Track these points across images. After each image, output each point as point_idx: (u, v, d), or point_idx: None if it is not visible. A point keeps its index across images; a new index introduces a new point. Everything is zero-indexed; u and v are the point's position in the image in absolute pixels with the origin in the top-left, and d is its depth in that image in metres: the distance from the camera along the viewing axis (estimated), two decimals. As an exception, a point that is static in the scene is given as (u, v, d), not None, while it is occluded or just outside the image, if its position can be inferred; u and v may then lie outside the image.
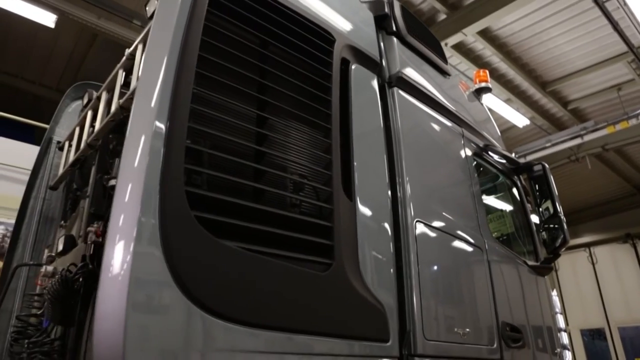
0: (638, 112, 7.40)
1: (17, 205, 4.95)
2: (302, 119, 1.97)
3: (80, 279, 1.94)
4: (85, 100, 3.37)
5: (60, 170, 3.34)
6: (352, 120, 2.16)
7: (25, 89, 8.24)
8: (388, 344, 1.90)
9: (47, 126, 5.86)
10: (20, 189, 5.35)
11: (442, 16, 6.18)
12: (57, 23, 5.65)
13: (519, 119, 8.52)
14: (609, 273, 13.58)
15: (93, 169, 2.63)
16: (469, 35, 6.00)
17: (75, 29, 6.33)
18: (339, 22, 2.39)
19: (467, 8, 5.77)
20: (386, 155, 2.33)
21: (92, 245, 1.97)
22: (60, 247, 2.33)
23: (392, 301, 1.99)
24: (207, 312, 1.34)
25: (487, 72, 3.75)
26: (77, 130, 3.14)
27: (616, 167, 11.37)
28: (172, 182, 1.37)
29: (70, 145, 3.37)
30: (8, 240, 4.90)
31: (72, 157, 3.10)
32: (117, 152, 2.72)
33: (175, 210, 1.35)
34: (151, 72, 1.50)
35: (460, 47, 6.67)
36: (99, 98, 2.76)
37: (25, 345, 2.29)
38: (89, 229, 2.03)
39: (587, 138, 8.08)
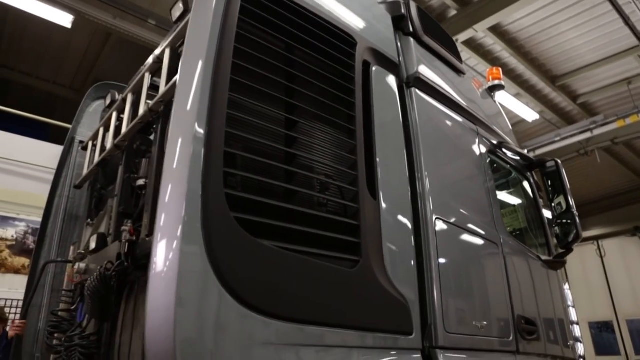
0: (648, 106, 7.41)
1: (37, 203, 5.09)
2: (327, 121, 2.04)
3: (117, 276, 2.03)
4: (109, 100, 3.44)
5: (85, 170, 3.43)
6: (374, 121, 2.22)
7: (39, 87, 8.36)
8: (412, 336, 1.97)
9: (60, 124, 6.01)
10: (39, 187, 5.49)
11: (453, 12, 6.20)
12: (73, 23, 5.73)
13: (529, 114, 8.52)
14: (617, 266, 13.57)
15: (120, 169, 2.72)
16: (480, 31, 6.02)
17: (90, 28, 6.41)
18: (359, 25, 2.45)
19: (478, 4, 5.78)
20: (406, 155, 2.39)
21: (127, 244, 2.06)
22: (93, 245, 2.41)
23: (414, 295, 2.06)
24: (246, 307, 1.42)
25: (500, 69, 3.79)
26: (102, 130, 3.23)
27: (625, 160, 11.35)
28: (212, 185, 1.45)
29: (94, 145, 3.46)
30: (30, 237, 5.05)
31: (97, 157, 3.19)
32: (142, 153, 2.80)
33: (217, 211, 1.43)
34: (189, 79, 1.57)
35: (470, 43, 6.68)
36: (124, 100, 2.83)
37: (63, 339, 2.38)
38: (123, 228, 2.11)
39: (596, 132, 8.08)
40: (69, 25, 5.74)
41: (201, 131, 1.48)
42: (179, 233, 1.34)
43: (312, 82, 2.01)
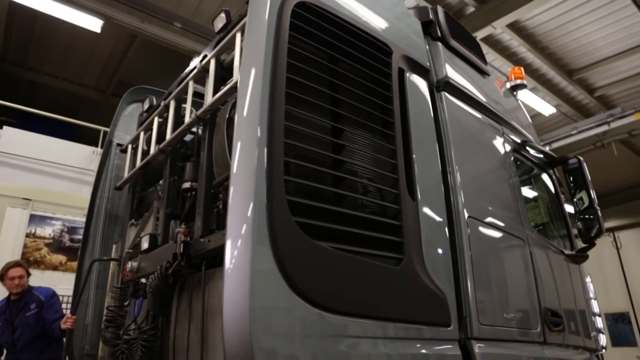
0: (667, 98, 7.40)
1: (71, 202, 5.31)
2: (369, 128, 2.17)
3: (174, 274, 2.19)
4: (147, 105, 3.60)
5: (126, 172, 3.58)
6: (411, 126, 2.34)
7: (64, 89, 8.58)
8: (449, 328, 2.10)
9: (87, 124, 6.19)
10: (71, 186, 5.71)
11: (471, 9, 6.25)
12: (102, 27, 5.89)
13: (545, 108, 8.53)
14: (633, 257, 13.49)
15: (165, 172, 2.87)
16: (498, 28, 6.06)
17: (116, 31, 6.57)
18: (394, 33, 2.55)
19: (496, 1, 5.81)
20: (439, 157, 2.51)
21: (182, 244, 2.21)
22: (145, 246, 2.56)
23: (450, 290, 2.19)
24: (306, 301, 1.56)
25: (522, 69, 3.86)
26: (142, 134, 3.38)
27: (642, 151, 11.31)
28: (275, 192, 1.58)
29: (133, 148, 3.62)
30: (66, 235, 5.27)
31: (138, 160, 3.35)
32: (186, 157, 2.95)
33: (280, 216, 1.57)
34: (249, 94, 1.70)
35: (487, 39, 6.72)
36: (167, 106, 2.98)
37: (122, 333, 2.56)
38: (178, 230, 2.26)
39: (614, 125, 8.08)
40: (98, 30, 5.91)
41: (264, 143, 1.62)
42: (249, 236, 1.48)
43: (355, 92, 2.14)
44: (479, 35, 6.15)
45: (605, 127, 8.28)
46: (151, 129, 3.24)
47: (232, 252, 1.49)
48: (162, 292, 2.17)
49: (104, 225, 3.71)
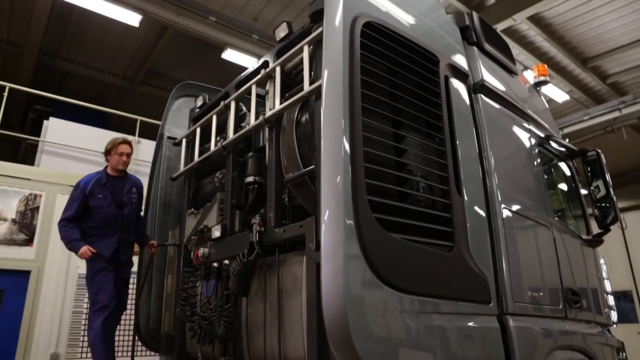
0: (678, 86, 7.60)
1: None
2: (423, 132, 2.47)
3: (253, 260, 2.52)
4: (199, 102, 3.87)
5: (182, 165, 3.87)
6: (455, 128, 2.63)
7: (94, 77, 8.83)
8: (490, 305, 2.44)
9: (121, 113, 6.47)
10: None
11: (492, 1, 6.42)
12: (140, 22, 6.12)
13: (559, 95, 8.74)
14: (638, 238, 13.85)
15: (228, 167, 3.18)
16: (519, 20, 6.24)
17: (150, 23, 6.77)
18: (439, 43, 2.82)
19: (516, -8, 5.98)
20: (478, 154, 2.81)
21: (258, 234, 2.54)
22: (217, 234, 2.89)
23: (490, 272, 2.51)
24: (384, 283, 1.89)
25: (546, 66, 4.10)
26: (198, 130, 3.67)
27: (651, 135, 11.50)
28: (359, 193, 1.90)
29: (187, 142, 3.92)
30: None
31: (196, 153, 3.64)
32: (242, 152, 3.24)
33: (364, 213, 1.89)
34: (333, 108, 2.00)
35: (505, 30, 6.91)
36: (227, 106, 3.26)
37: (198, 311, 2.91)
38: (253, 221, 2.58)
39: (625, 111, 8.30)
40: (137, 25, 6.14)
41: (348, 153, 1.93)
42: (342, 232, 1.81)
43: (410, 100, 2.43)
44: (500, 27, 6.34)
45: (616, 114, 8.50)
46: (208, 125, 3.53)
47: (328, 244, 1.81)
48: (244, 274, 2.51)
49: (160, 213, 4.04)
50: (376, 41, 2.29)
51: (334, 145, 1.95)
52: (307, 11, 2.54)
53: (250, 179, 2.97)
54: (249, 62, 7.47)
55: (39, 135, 7.08)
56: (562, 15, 6.92)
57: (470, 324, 2.30)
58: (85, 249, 3.45)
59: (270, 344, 2.49)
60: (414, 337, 1.97)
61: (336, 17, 2.18)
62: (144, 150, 6.42)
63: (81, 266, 5.29)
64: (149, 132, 6.57)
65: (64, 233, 3.53)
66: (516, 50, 7.57)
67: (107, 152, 3.81)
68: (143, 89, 9.25)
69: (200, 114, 3.84)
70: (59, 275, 5.09)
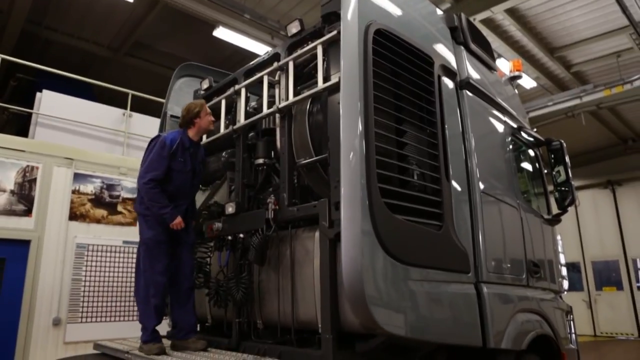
0: (633, 78, 8.24)
1: (107, 161, 5.78)
2: (419, 127, 2.82)
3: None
4: (205, 85, 4.06)
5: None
6: (445, 122, 2.99)
7: (77, 47, 8.65)
8: (469, 274, 2.88)
9: (114, 87, 6.53)
10: (107, 147, 6.15)
11: (470, -8, 6.75)
12: (132, -5, 6.07)
13: (527, 82, 9.29)
14: (588, 215, 14.95)
15: (238, 149, 3.44)
16: (497, 12, 6.61)
17: (143, -4, 6.69)
18: (433, 45, 3.14)
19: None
20: (463, 145, 3.19)
21: (273, 212, 2.86)
22: (231, 210, 3.18)
23: (469, 247, 2.93)
24: (390, 256, 2.27)
25: (521, 61, 4.50)
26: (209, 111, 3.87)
27: (606, 121, 12.32)
28: (372, 181, 2.25)
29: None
30: (105, 192, 5.78)
31: (204, 136, 3.83)
32: (255, 136, 3.49)
33: (375, 198, 2.24)
34: (350, 109, 2.31)
35: (483, 20, 7.27)
36: (237, 92, 3.49)
37: (215, 278, 3.23)
38: (268, 200, 2.89)
39: (585, 99, 8.94)
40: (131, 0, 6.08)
41: (363, 145, 2.26)
42: (359, 214, 2.16)
43: (410, 98, 2.77)
44: (478, 17, 6.70)
45: (577, 101, 9.14)
46: (215, 107, 3.75)
47: (347, 223, 2.17)
48: (263, 247, 2.85)
49: None
50: (384, 47, 2.60)
51: (353, 142, 2.27)
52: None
53: (260, 160, 3.26)
54: (240, 41, 7.58)
55: (23, 104, 7.02)
56: (535, 8, 7.36)
57: (454, 290, 2.73)
58: (180, 219, 3.14)
59: (283, 308, 2.85)
60: (411, 299, 2.37)
61: (352, 26, 2.46)
62: (135, 123, 6.52)
63: (79, 236, 5.49)
64: (134, 105, 6.65)
65: (153, 196, 3.10)
66: (490, 38, 7.97)
67: (196, 115, 3.34)
68: (127, 61, 9.15)
69: (206, 96, 4.04)
70: (57, 245, 5.26)
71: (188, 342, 3.01)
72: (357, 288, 2.11)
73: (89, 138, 6.08)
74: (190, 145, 3.36)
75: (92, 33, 8.44)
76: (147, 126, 6.55)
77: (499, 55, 8.10)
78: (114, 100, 7.17)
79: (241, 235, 3.08)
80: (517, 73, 4.63)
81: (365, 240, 2.16)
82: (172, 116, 4.43)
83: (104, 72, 9.07)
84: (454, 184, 2.92)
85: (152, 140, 3.32)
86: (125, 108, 6.61)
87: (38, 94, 5.95)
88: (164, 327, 3.20)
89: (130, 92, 6.42)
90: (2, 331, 4.83)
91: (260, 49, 7.86)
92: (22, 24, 7.53)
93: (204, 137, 3.82)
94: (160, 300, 3.01)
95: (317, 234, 2.69)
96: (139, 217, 3.22)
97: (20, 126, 7.79)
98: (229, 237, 3.20)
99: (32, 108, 6.34)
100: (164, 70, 9.78)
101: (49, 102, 5.90)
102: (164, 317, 3.21)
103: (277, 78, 3.22)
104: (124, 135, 6.37)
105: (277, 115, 3.12)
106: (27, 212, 5.16)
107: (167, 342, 3.14)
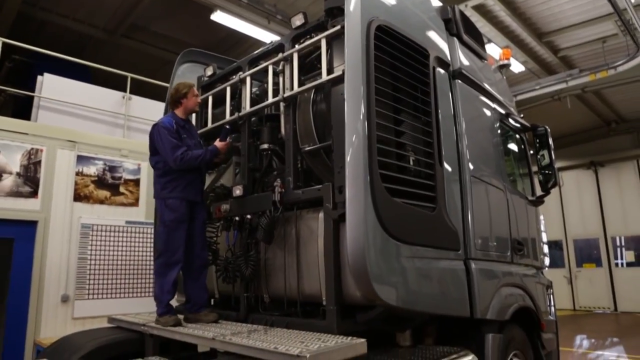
0: (617, 64, 8.50)
1: (109, 144, 5.89)
2: (416, 116, 3.02)
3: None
4: (209, 72, 4.19)
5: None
6: (440, 111, 3.19)
7: (72, 28, 8.58)
8: (459, 252, 3.13)
9: (115, 71, 6.58)
10: (107, 130, 6.25)
11: (464, -22, 6.84)
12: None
13: (516, 66, 9.49)
14: (571, 194, 15.40)
15: (244, 134, 3.60)
16: (490, -1, 6.76)
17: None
18: (429, 38, 3.31)
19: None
20: (454, 131, 3.40)
21: (279, 194, 3.06)
22: (238, 193, 3.36)
23: (459, 226, 3.17)
24: (390, 236, 2.50)
25: (511, 51, 4.68)
26: (210, 98, 4.03)
27: (591, 104, 12.63)
28: (373, 167, 2.45)
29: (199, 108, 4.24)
30: (108, 174, 5.91)
31: (209, 119, 4.00)
32: (260, 122, 3.66)
33: (377, 183, 2.45)
34: (354, 103, 2.50)
35: (475, 6, 7.41)
36: (243, 81, 3.64)
37: (224, 255, 3.45)
38: (275, 183, 3.08)
39: (571, 83, 9.20)
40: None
41: (366, 134, 2.45)
42: (362, 197, 2.37)
43: (407, 90, 2.96)
44: (470, 3, 6.83)
45: (563, 85, 9.39)
46: (219, 93, 3.90)
47: (352, 206, 2.38)
48: (269, 226, 3.05)
49: None
50: (385, 42, 2.77)
51: (357, 131, 2.46)
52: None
53: (265, 146, 3.44)
54: (237, 24, 7.62)
55: (19, 86, 7.04)
56: (524, -6, 7.52)
57: (445, 266, 2.99)
58: (223, 143, 3.42)
59: (289, 283, 3.08)
60: (408, 274, 2.62)
61: (355, 22, 2.63)
62: (134, 106, 6.61)
63: (84, 216, 5.65)
64: (130, 87, 6.69)
65: (189, 158, 3.26)
66: (481, 23, 8.14)
67: (183, 95, 3.50)
68: (122, 42, 9.12)
69: (210, 82, 4.17)
70: (63, 225, 5.41)
71: (200, 315, 3.22)
72: (361, 264, 2.34)
73: (90, 121, 6.16)
74: (183, 122, 3.54)
75: (87, 14, 8.38)
76: (147, 108, 6.64)
77: (489, 40, 8.26)
78: (109, 81, 7.21)
79: (248, 216, 3.28)
80: (506, 61, 4.82)
81: (368, 222, 2.38)
82: (177, 102, 4.56)
83: (99, 53, 9.04)
84: (446, 168, 3.14)
85: (153, 130, 3.45)
86: (121, 90, 6.67)
87: (39, 77, 5.99)
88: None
89: (130, 75, 6.48)
90: (15, 307, 5.01)
91: (256, 33, 7.93)
92: (17, 6, 7.47)
93: (209, 122, 3.99)
94: (176, 277, 3.21)
95: (320, 215, 2.89)
96: (160, 201, 3.36)
97: (17, 108, 7.82)
98: (236, 218, 3.40)
99: (27, 89, 6.40)
100: (158, 51, 9.80)
101: (50, 85, 5.95)
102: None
103: (280, 67, 3.37)
104: (123, 117, 6.45)
105: (282, 103, 3.28)
106: (33, 194, 5.29)
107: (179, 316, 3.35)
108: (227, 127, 3.55)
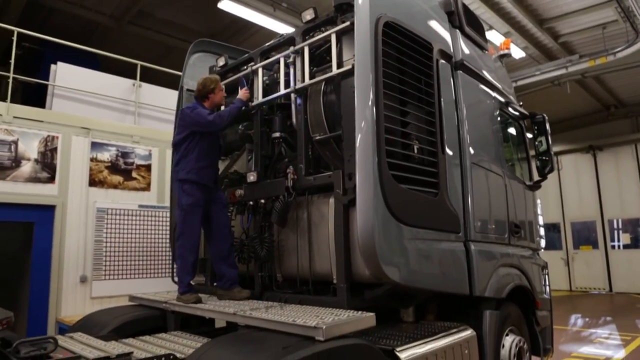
0: (616, 50, 8.60)
1: (120, 130, 6.06)
2: (421, 107, 3.19)
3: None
4: (221, 62, 4.33)
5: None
6: (442, 101, 3.35)
7: (79, 15, 8.65)
8: (459, 234, 3.33)
9: (127, 59, 6.69)
10: (118, 116, 6.41)
11: (466, -35, 6.88)
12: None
13: (516, 52, 9.58)
14: (570, 178, 15.61)
15: (256, 123, 3.77)
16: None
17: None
18: (433, 31, 3.45)
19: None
20: (456, 120, 3.57)
21: (292, 181, 3.25)
22: (252, 179, 3.55)
23: (460, 210, 3.35)
24: (396, 219, 2.69)
25: (510, 41, 4.80)
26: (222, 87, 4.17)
27: (591, 89, 12.72)
28: (381, 156, 2.64)
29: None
30: (121, 160, 6.10)
31: (223, 108, 4.16)
32: (270, 111, 3.82)
33: (384, 171, 2.64)
34: (364, 92, 2.67)
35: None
36: (255, 72, 3.80)
37: (240, 237, 3.66)
38: (288, 170, 3.27)
39: (571, 69, 9.30)
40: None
41: (375, 125, 2.63)
42: (372, 184, 2.55)
43: (412, 82, 3.12)
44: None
45: (563, 71, 9.50)
46: (233, 84, 4.05)
47: (362, 192, 2.57)
48: (283, 210, 3.26)
49: None
50: (392, 37, 2.93)
51: (366, 122, 2.63)
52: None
53: (277, 134, 3.62)
54: (242, 12, 7.71)
55: (28, 73, 7.15)
56: (527, -19, 7.56)
57: (447, 247, 3.19)
58: (243, 91, 3.63)
59: (301, 263, 3.30)
60: (413, 255, 2.82)
61: (365, 19, 2.78)
62: (145, 93, 6.76)
63: (99, 201, 5.86)
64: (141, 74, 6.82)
65: (221, 114, 3.52)
66: (482, 9, 8.21)
67: (211, 91, 3.67)
68: (128, 29, 9.20)
69: (222, 72, 4.32)
70: (79, 209, 5.62)
71: (234, 292, 3.40)
72: (370, 246, 2.55)
73: (102, 108, 6.31)
74: (209, 112, 3.65)
75: (95, 1, 8.45)
76: (156, 95, 6.79)
77: (490, 27, 8.34)
78: (114, 68, 7.33)
79: (262, 201, 3.48)
80: (506, 51, 4.96)
81: (377, 207, 2.58)
82: (188, 90, 4.71)
83: (105, 40, 9.13)
84: (449, 155, 3.32)
85: (184, 109, 3.70)
86: (128, 77, 6.80)
87: (52, 66, 6.13)
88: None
89: (139, 62, 6.61)
90: (37, 287, 5.27)
91: (261, 20, 8.02)
92: (28, -8, 7.53)
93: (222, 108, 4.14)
94: (195, 258, 3.42)
95: (331, 200, 3.07)
96: (177, 185, 3.52)
97: (26, 95, 7.96)
98: (250, 202, 3.60)
99: (36, 77, 6.53)
100: (163, 37, 9.87)
101: (63, 73, 6.10)
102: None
103: (291, 59, 3.52)
104: (134, 105, 6.61)
105: (293, 94, 3.45)
106: (51, 180, 5.49)
107: (204, 296, 3.53)
108: (242, 78, 3.75)
